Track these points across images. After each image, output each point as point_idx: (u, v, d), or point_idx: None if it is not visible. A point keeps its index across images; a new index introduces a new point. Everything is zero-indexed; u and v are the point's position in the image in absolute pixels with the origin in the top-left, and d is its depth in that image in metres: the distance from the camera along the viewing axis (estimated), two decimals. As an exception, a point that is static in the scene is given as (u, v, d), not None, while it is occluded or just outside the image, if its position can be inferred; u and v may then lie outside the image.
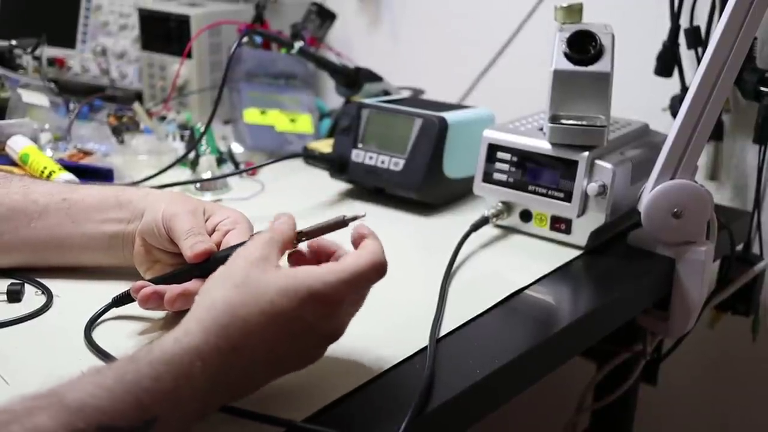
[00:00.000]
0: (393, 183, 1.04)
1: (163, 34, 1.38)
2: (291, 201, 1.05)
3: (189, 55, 1.35)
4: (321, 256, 0.65)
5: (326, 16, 1.45)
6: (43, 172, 0.97)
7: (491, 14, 1.38)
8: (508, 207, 0.97)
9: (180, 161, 1.13)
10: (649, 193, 0.89)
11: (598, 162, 0.90)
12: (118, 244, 0.77)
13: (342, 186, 1.12)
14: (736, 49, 0.84)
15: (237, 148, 1.24)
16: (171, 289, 0.69)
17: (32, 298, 0.76)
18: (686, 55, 1.14)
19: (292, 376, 0.60)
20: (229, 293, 0.56)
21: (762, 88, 1.06)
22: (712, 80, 0.85)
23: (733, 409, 1.28)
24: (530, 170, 0.94)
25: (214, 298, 0.56)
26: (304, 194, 1.09)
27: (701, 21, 1.12)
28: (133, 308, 0.71)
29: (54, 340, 0.70)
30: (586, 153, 0.90)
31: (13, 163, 1.03)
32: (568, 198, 0.91)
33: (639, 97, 1.17)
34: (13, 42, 1.31)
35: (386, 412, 0.62)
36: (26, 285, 0.77)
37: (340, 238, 0.65)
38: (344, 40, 1.54)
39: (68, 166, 1.00)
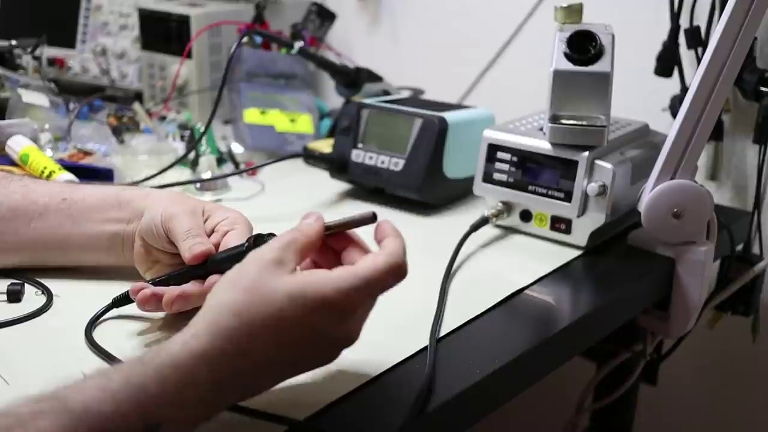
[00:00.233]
0: (393, 183, 1.04)
1: (163, 34, 1.38)
2: (291, 201, 1.05)
3: (189, 55, 1.35)
4: (344, 253, 0.63)
5: (326, 16, 1.45)
6: (43, 172, 0.97)
7: (491, 14, 1.38)
8: (508, 207, 0.97)
9: (180, 161, 1.13)
10: (649, 193, 0.89)
11: (598, 162, 0.90)
12: (118, 244, 0.77)
13: (342, 186, 1.12)
14: (736, 49, 0.84)
15: (237, 148, 1.24)
16: (169, 291, 0.69)
17: (32, 298, 0.76)
18: (686, 55, 1.14)
19: (292, 375, 0.60)
20: (238, 296, 0.55)
21: (762, 88, 1.06)
22: (712, 80, 0.85)
23: (733, 409, 1.28)
24: (530, 170, 0.94)
25: (222, 300, 0.55)
26: (304, 194, 1.09)
27: (701, 21, 1.12)
28: (133, 308, 0.71)
29: (54, 340, 0.70)
30: (586, 153, 0.90)
31: (13, 163, 1.03)
32: (568, 198, 0.91)
33: (639, 97, 1.17)
34: (13, 42, 1.31)
35: (386, 412, 0.62)
36: (26, 285, 0.77)
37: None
38: (344, 40, 1.54)
39: (68, 166, 1.00)
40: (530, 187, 0.94)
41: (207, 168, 1.13)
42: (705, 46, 1.11)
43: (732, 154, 1.18)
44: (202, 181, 1.08)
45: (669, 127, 0.90)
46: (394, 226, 0.61)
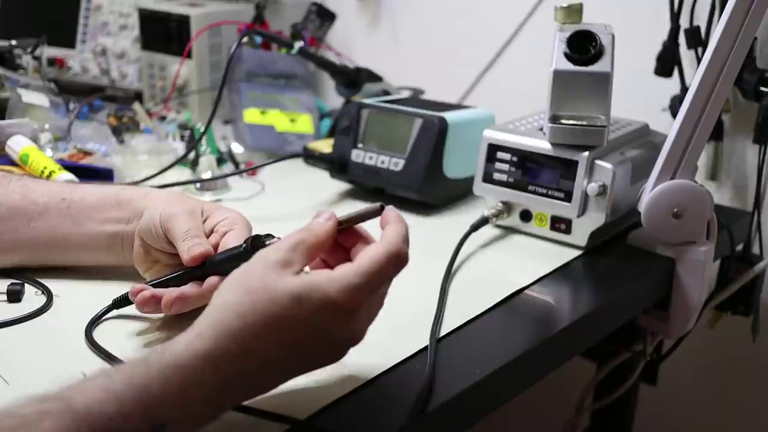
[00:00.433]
0: (393, 183, 1.04)
1: (163, 34, 1.38)
2: (291, 201, 1.06)
3: (189, 55, 1.35)
4: (353, 250, 0.62)
5: (326, 16, 1.45)
6: (43, 172, 0.97)
7: (491, 14, 1.38)
8: (508, 207, 0.97)
9: (180, 161, 1.13)
10: (649, 193, 0.89)
11: (598, 162, 0.90)
12: (118, 244, 0.77)
13: (342, 186, 1.12)
14: (736, 49, 0.84)
15: (237, 148, 1.24)
16: (168, 293, 0.69)
17: (32, 298, 0.76)
18: (686, 55, 1.14)
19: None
20: (243, 297, 0.54)
21: (762, 88, 1.06)
22: (712, 80, 0.85)
23: (733, 409, 1.28)
24: (530, 170, 0.94)
25: (227, 300, 0.55)
26: (304, 194, 1.09)
27: (701, 21, 1.12)
28: (133, 309, 0.71)
29: (54, 340, 0.70)
30: (586, 153, 0.90)
31: (13, 163, 1.03)
32: (568, 198, 0.91)
33: (639, 97, 1.17)
34: (13, 42, 1.31)
35: (386, 412, 0.62)
36: (26, 285, 0.77)
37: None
38: (344, 40, 1.54)
39: (68, 166, 1.00)
40: (530, 187, 0.94)
41: (207, 168, 1.13)
42: (705, 46, 1.11)
43: (732, 154, 1.18)
44: (202, 181, 1.08)
45: (669, 127, 0.90)
46: (396, 213, 0.60)
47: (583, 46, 0.88)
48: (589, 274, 0.91)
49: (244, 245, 0.68)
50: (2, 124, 1.08)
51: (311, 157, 1.11)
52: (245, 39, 1.31)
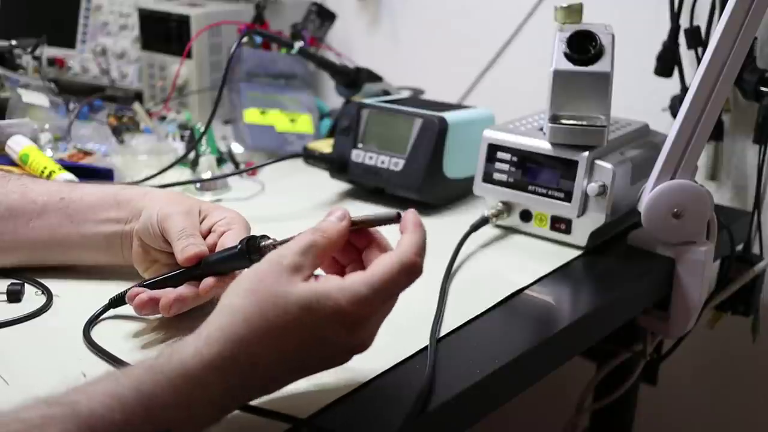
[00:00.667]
0: (393, 183, 1.04)
1: (163, 34, 1.38)
2: (291, 201, 1.06)
3: (189, 55, 1.35)
4: (365, 252, 0.62)
5: (326, 16, 1.45)
6: (42, 172, 0.97)
7: (491, 14, 1.38)
8: (508, 207, 0.97)
9: (180, 161, 1.13)
10: (649, 193, 0.89)
11: (598, 162, 0.90)
12: (117, 243, 0.77)
13: (342, 186, 1.12)
14: (736, 49, 0.84)
15: (237, 148, 1.24)
16: (166, 295, 0.69)
17: (32, 298, 0.76)
18: (686, 55, 1.14)
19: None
20: (252, 304, 0.54)
21: (762, 88, 1.06)
22: (712, 80, 0.85)
23: (733, 409, 1.28)
24: (530, 170, 0.94)
25: (235, 306, 0.54)
26: (304, 194, 1.09)
27: (701, 21, 1.12)
28: (130, 308, 0.71)
29: (54, 340, 0.70)
30: (586, 153, 0.90)
31: (13, 163, 1.03)
32: (568, 198, 0.91)
33: (639, 97, 1.17)
34: (13, 42, 1.31)
35: (386, 412, 0.62)
36: (26, 285, 0.77)
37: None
38: (344, 40, 1.53)
39: (68, 166, 1.00)
40: (530, 187, 0.94)
41: (207, 168, 1.13)
42: (705, 46, 1.11)
43: (732, 154, 1.18)
44: (202, 181, 1.08)
45: (669, 127, 0.90)
46: (414, 221, 0.59)
47: (583, 46, 0.88)
48: (589, 274, 0.91)
49: (239, 246, 0.68)
50: (2, 124, 1.08)
51: (311, 157, 1.11)
52: (245, 39, 1.31)
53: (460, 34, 1.43)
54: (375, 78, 1.31)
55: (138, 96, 1.43)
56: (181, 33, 1.36)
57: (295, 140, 1.27)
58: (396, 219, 0.60)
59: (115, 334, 0.70)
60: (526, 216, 0.96)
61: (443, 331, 0.74)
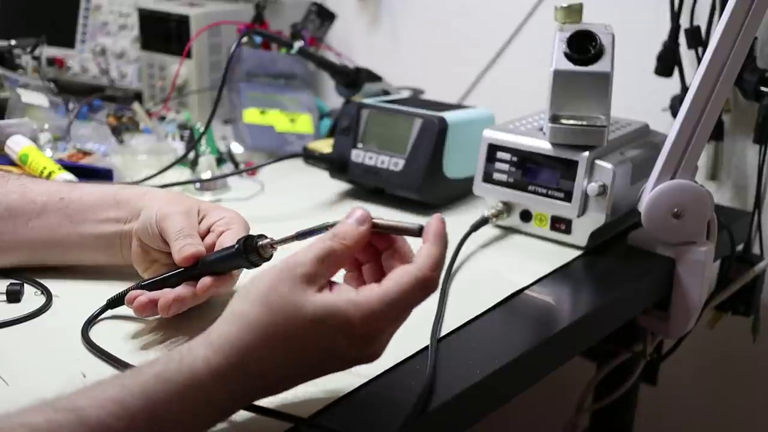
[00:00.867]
0: (393, 183, 1.04)
1: (163, 34, 1.38)
2: (291, 201, 1.05)
3: (189, 55, 1.35)
4: (384, 255, 0.61)
5: (326, 16, 1.45)
6: (42, 172, 0.97)
7: (491, 14, 1.38)
8: (508, 207, 0.97)
9: (180, 161, 1.13)
10: (649, 193, 0.89)
11: (598, 162, 0.90)
12: (116, 243, 0.77)
13: (342, 186, 1.11)
14: (736, 49, 0.84)
15: (237, 148, 1.24)
16: (164, 296, 0.69)
17: (32, 298, 0.76)
18: (686, 55, 1.14)
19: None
20: (263, 314, 0.53)
21: (762, 88, 1.06)
22: (712, 80, 0.85)
23: (733, 409, 1.28)
24: (530, 170, 0.94)
25: (246, 313, 0.54)
26: (304, 194, 1.09)
27: (701, 21, 1.12)
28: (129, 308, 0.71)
29: (53, 341, 0.69)
30: (586, 153, 0.90)
31: (13, 163, 1.03)
32: (568, 198, 0.91)
33: (639, 97, 1.17)
34: (13, 42, 1.31)
35: (387, 411, 0.62)
36: (26, 285, 0.77)
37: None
38: (344, 40, 1.53)
39: (68, 166, 1.00)
40: (530, 187, 0.94)
41: (207, 168, 1.13)
42: (705, 46, 1.11)
43: (732, 154, 1.18)
44: (201, 181, 1.08)
45: (669, 127, 0.90)
46: (437, 229, 0.57)
47: (583, 46, 0.88)
48: (589, 274, 0.91)
49: (236, 245, 0.68)
50: (2, 124, 1.08)
51: (311, 157, 1.11)
52: (245, 39, 1.31)
53: (460, 34, 1.43)
54: (375, 78, 1.31)
55: (137, 96, 1.43)
56: (180, 33, 1.36)
57: (295, 140, 1.27)
58: (417, 233, 0.58)
59: (113, 335, 0.70)
60: (526, 216, 0.96)
61: (443, 332, 0.74)
